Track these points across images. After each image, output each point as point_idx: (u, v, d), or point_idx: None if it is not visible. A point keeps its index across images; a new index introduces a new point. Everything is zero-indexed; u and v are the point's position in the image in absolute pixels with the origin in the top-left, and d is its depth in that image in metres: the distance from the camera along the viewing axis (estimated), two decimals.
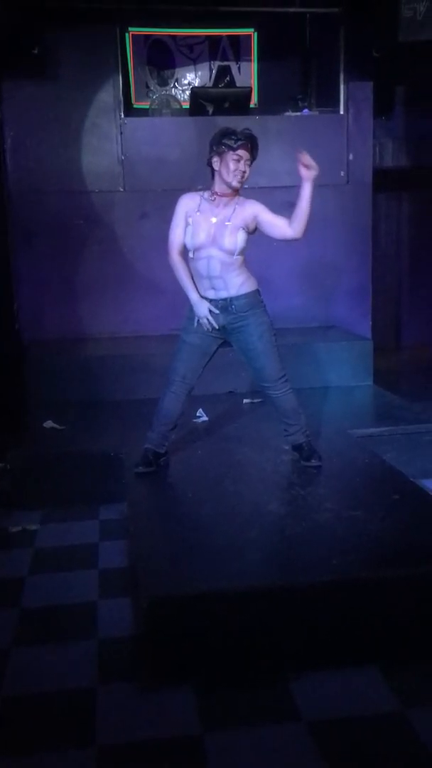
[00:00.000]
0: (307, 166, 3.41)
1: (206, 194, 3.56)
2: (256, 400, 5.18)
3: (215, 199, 3.53)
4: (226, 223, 3.51)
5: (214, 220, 3.51)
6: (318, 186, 6.24)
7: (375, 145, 6.54)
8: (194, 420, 4.71)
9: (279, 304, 5.60)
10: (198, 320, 3.61)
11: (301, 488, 3.52)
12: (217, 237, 3.50)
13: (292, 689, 2.55)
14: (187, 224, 3.53)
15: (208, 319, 3.57)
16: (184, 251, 3.60)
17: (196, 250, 3.53)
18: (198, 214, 3.52)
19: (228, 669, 2.62)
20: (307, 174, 3.41)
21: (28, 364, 5.38)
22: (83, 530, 3.94)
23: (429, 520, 3.14)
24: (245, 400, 5.23)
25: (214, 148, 3.47)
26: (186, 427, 4.25)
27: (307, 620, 2.62)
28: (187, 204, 3.56)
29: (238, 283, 3.57)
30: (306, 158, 3.40)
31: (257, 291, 3.65)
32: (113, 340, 5.98)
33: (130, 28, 6.38)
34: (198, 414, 4.77)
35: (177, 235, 3.57)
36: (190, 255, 3.57)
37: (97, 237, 5.99)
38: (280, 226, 3.53)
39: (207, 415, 4.80)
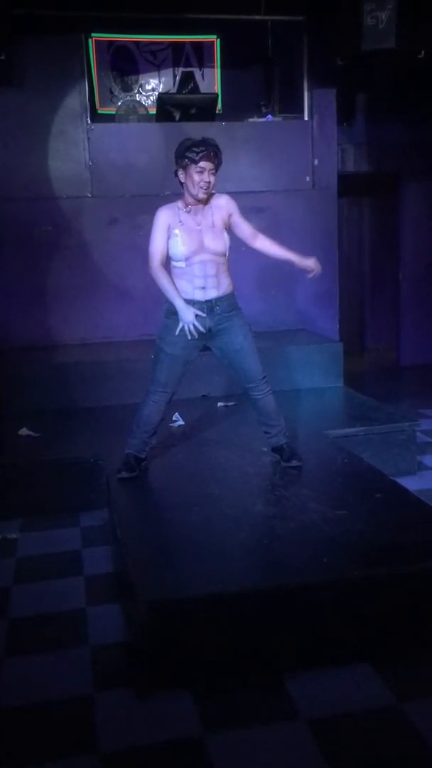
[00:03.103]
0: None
1: (180, 204, 3.59)
2: (230, 404, 5.22)
3: (190, 209, 3.57)
4: (212, 228, 3.58)
5: (198, 227, 3.55)
6: (284, 191, 6.38)
7: (337, 151, 6.65)
8: (171, 424, 4.71)
9: (246, 308, 5.61)
10: (181, 328, 3.58)
11: (285, 489, 3.56)
12: (206, 242, 3.55)
13: (289, 688, 2.58)
14: (171, 236, 3.54)
15: (194, 325, 3.56)
16: (167, 261, 3.62)
17: (188, 258, 3.54)
18: (181, 224, 3.54)
19: (225, 670, 2.64)
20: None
21: None
22: (65, 538, 3.92)
23: (413, 518, 3.20)
24: (219, 404, 5.26)
25: (179, 162, 3.52)
26: (163, 432, 4.25)
27: (303, 619, 2.65)
28: (168, 216, 3.57)
29: (225, 284, 3.64)
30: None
31: (234, 293, 3.72)
32: (84, 346, 5.95)
33: (93, 34, 6.38)
34: (174, 418, 4.78)
35: (158, 246, 3.57)
36: (181, 264, 3.56)
37: (66, 243, 5.95)
38: (246, 230, 3.71)
39: (183, 420, 4.82)
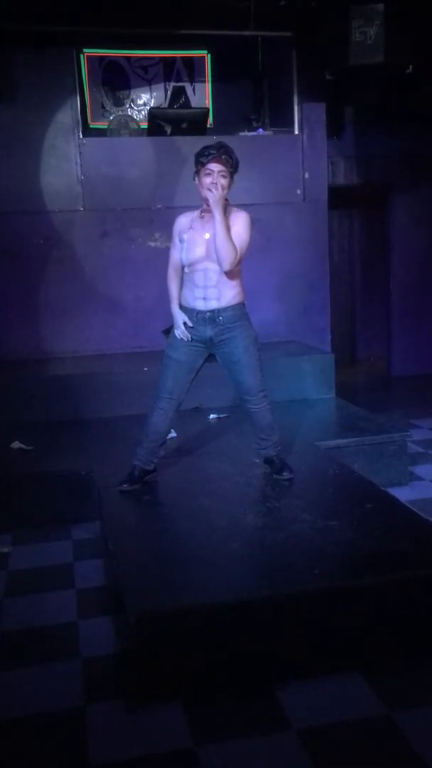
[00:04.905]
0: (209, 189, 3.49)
1: (197, 212, 3.62)
2: (222, 415, 5.24)
3: (204, 216, 3.58)
4: None
5: (207, 235, 3.55)
6: (275, 204, 6.43)
7: (327, 164, 6.71)
8: None
9: None
10: (178, 335, 3.66)
11: (276, 500, 3.57)
12: (210, 252, 3.54)
13: (280, 698, 2.58)
14: (181, 241, 3.60)
15: (182, 331, 3.64)
16: (180, 267, 3.67)
17: (191, 264, 3.57)
18: (191, 230, 3.58)
19: (215, 681, 2.64)
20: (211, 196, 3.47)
21: None
22: (56, 551, 3.91)
23: (403, 528, 3.22)
24: (211, 416, 5.27)
25: (194, 169, 3.56)
26: None
27: (293, 629, 2.66)
28: (181, 223, 3.64)
29: (229, 295, 3.62)
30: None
31: (243, 304, 3.72)
32: (76, 359, 5.97)
33: (84, 49, 6.43)
34: None
35: (173, 254, 3.69)
36: (186, 270, 3.62)
37: (57, 256, 5.99)
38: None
39: (175, 432, 4.82)
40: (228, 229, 3.48)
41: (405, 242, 7.86)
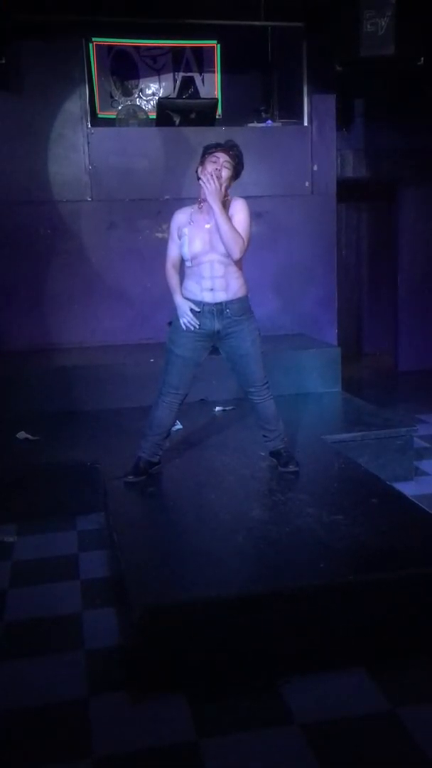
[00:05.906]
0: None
1: (196, 204, 3.62)
2: (227, 408, 5.23)
3: (203, 207, 3.57)
4: None
5: (207, 226, 3.54)
6: (283, 196, 6.40)
7: (336, 156, 6.67)
8: None
9: None
10: (184, 324, 3.62)
11: (282, 494, 3.57)
12: (214, 242, 3.53)
13: (283, 693, 2.58)
14: (181, 236, 3.58)
15: (190, 319, 3.60)
16: (180, 262, 3.65)
17: (195, 257, 3.55)
18: (191, 224, 3.57)
19: (219, 675, 2.64)
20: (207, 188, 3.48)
21: None
22: (61, 541, 3.91)
23: (408, 523, 3.21)
24: (217, 408, 5.26)
25: (200, 161, 3.57)
26: None
27: (297, 624, 2.65)
28: (179, 219, 3.62)
29: (236, 287, 3.61)
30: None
31: (247, 296, 3.70)
32: (82, 350, 5.96)
33: (93, 39, 6.40)
34: None
35: (171, 250, 3.66)
36: (188, 264, 3.59)
37: (64, 247, 5.97)
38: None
39: (181, 423, 4.81)
40: (228, 219, 3.49)
41: (413, 237, 7.83)
